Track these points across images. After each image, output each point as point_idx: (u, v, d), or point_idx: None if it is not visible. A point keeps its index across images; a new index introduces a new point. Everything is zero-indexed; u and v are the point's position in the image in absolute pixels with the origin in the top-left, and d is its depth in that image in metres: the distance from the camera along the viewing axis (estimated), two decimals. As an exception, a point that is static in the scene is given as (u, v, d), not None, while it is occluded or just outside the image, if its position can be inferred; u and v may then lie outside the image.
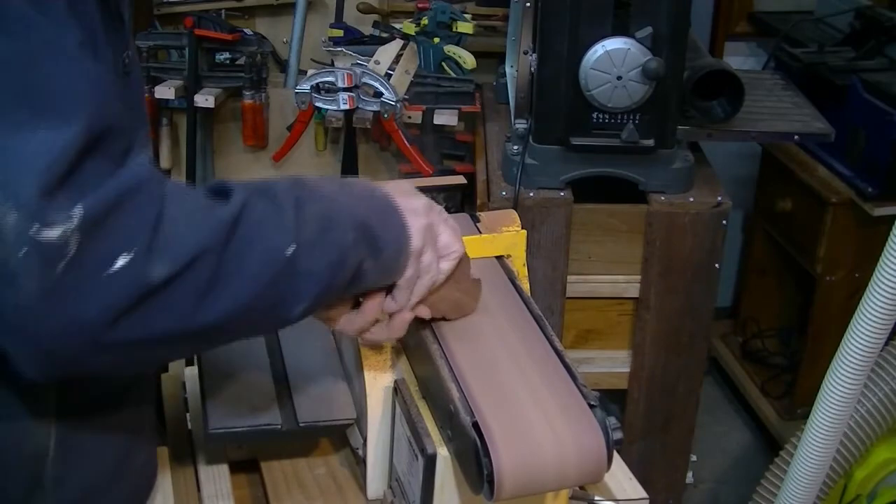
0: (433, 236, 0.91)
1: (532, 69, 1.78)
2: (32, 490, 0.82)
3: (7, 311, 0.67)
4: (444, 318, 0.98)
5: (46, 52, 0.68)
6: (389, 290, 0.91)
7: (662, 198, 1.81)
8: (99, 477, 0.87)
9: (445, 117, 2.08)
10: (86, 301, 0.68)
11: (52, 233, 0.66)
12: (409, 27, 2.13)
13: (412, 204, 0.91)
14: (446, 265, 0.93)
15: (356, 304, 0.92)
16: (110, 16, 0.80)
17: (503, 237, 1.10)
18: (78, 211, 0.67)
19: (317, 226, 0.80)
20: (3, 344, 0.70)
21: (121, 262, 0.68)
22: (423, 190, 1.09)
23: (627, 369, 1.93)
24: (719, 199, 1.82)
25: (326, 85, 2.00)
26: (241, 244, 0.74)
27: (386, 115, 1.99)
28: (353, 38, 2.19)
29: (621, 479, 1.08)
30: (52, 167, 0.66)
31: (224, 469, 1.10)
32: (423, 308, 0.94)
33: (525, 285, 1.09)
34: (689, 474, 2.07)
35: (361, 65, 2.05)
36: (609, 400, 0.89)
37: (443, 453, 0.91)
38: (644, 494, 1.06)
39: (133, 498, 0.94)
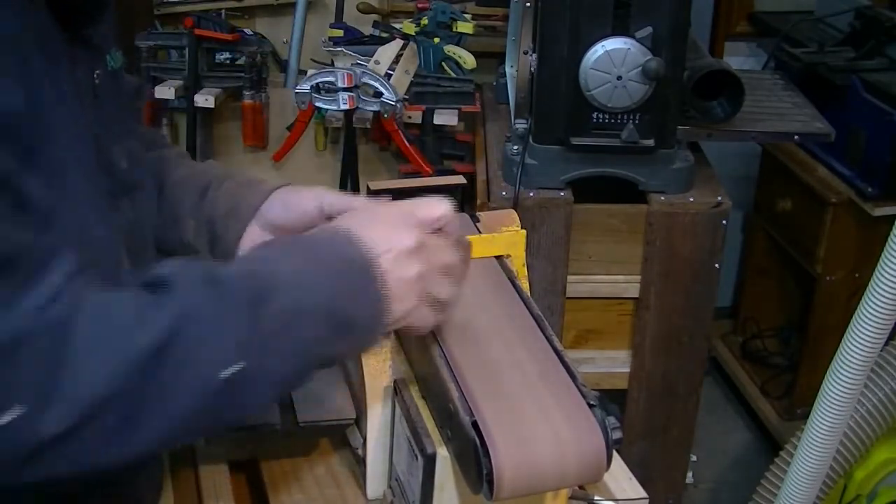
0: (432, 268, 0.84)
1: (532, 69, 1.78)
2: None
3: None
4: None
5: None
6: None
7: (662, 198, 1.81)
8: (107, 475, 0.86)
9: (445, 117, 2.08)
10: None
11: None
12: (409, 27, 2.13)
13: (402, 243, 0.82)
14: (454, 288, 0.88)
15: None
16: (75, 41, 0.78)
17: (503, 237, 1.10)
18: None
19: (276, 327, 0.72)
20: None
21: (7, 417, 0.62)
22: (423, 190, 1.09)
23: (627, 369, 1.93)
24: (719, 199, 1.82)
25: (326, 85, 2.00)
26: (165, 375, 0.67)
27: (386, 115, 1.99)
28: (353, 38, 2.19)
29: (621, 479, 1.08)
30: None
31: (224, 469, 1.10)
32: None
33: (525, 285, 1.08)
34: (689, 474, 2.07)
35: (361, 65, 2.05)
36: (609, 400, 0.89)
37: (442, 453, 0.91)
38: (644, 494, 1.06)
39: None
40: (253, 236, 1.00)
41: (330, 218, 0.96)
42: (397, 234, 0.82)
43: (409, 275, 0.81)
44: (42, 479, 0.65)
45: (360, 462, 1.06)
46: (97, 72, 0.83)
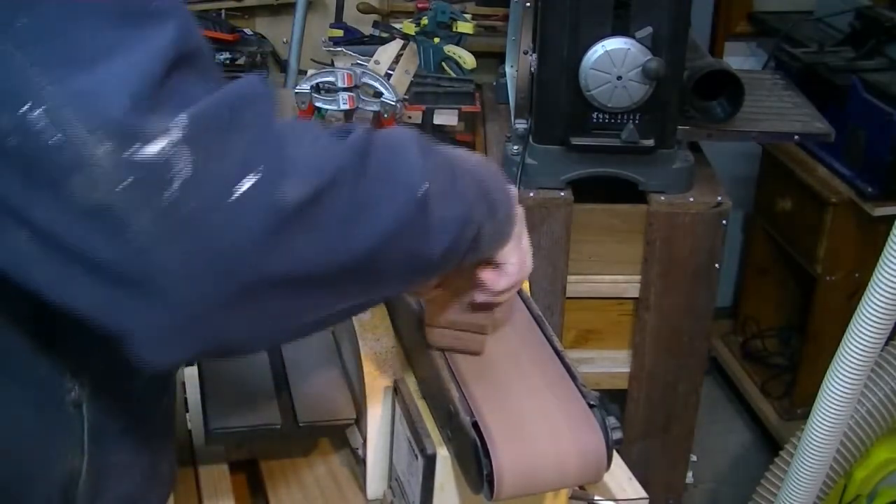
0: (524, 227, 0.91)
1: (532, 69, 1.78)
2: None
3: (125, 269, 0.56)
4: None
5: None
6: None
7: (662, 198, 1.81)
8: (129, 491, 0.86)
9: (445, 117, 2.08)
10: (215, 231, 0.57)
11: (153, 148, 0.55)
12: (409, 27, 2.13)
13: (511, 188, 0.89)
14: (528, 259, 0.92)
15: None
16: None
17: (503, 237, 1.10)
18: (182, 119, 0.56)
19: (444, 174, 0.74)
20: (123, 320, 0.59)
21: (247, 182, 0.57)
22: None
23: (627, 369, 1.93)
24: (719, 199, 1.82)
25: (326, 85, 2.00)
26: (375, 174, 0.66)
27: (386, 115, 1.99)
28: (353, 38, 2.19)
29: (621, 479, 1.08)
30: (146, 76, 0.56)
31: (224, 469, 1.10)
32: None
33: (525, 285, 1.08)
34: (689, 474, 2.07)
35: (361, 65, 2.05)
36: (609, 400, 0.89)
37: (443, 453, 0.91)
38: (644, 494, 1.06)
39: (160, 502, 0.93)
40: None
41: None
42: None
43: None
44: (282, 269, 0.60)
45: (360, 462, 1.06)
46: None
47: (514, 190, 0.88)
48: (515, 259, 0.88)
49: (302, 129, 0.64)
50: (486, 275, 0.87)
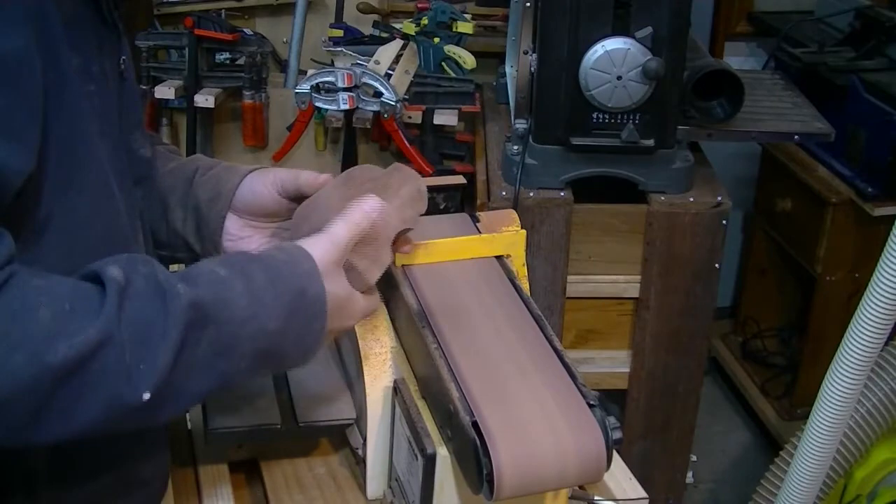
0: (360, 271, 0.87)
1: (532, 69, 1.78)
2: None
3: None
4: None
5: None
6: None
7: (662, 198, 1.81)
8: (100, 494, 0.86)
9: (445, 117, 2.08)
10: None
11: None
12: (409, 27, 2.13)
13: (333, 267, 0.84)
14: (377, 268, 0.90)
15: None
16: (103, 21, 0.79)
17: (503, 237, 1.10)
18: None
19: (205, 352, 0.73)
20: None
21: None
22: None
23: (627, 369, 1.93)
24: (719, 199, 1.82)
25: (326, 85, 2.00)
26: (76, 390, 0.67)
27: (386, 115, 1.99)
28: (353, 38, 2.19)
29: (621, 479, 1.08)
30: None
31: (224, 469, 1.10)
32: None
33: (525, 285, 1.08)
34: (689, 474, 2.07)
35: (361, 65, 2.05)
36: (609, 400, 0.89)
37: (442, 453, 0.91)
38: (644, 494, 1.06)
39: None
40: (231, 221, 1.01)
41: (290, 199, 0.99)
42: (334, 249, 0.84)
43: (342, 290, 0.84)
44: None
45: (360, 462, 1.06)
46: (123, 58, 0.83)
47: (332, 310, 0.82)
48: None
49: (7, 334, 0.65)
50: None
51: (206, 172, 1.02)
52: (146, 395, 0.70)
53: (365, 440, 1.04)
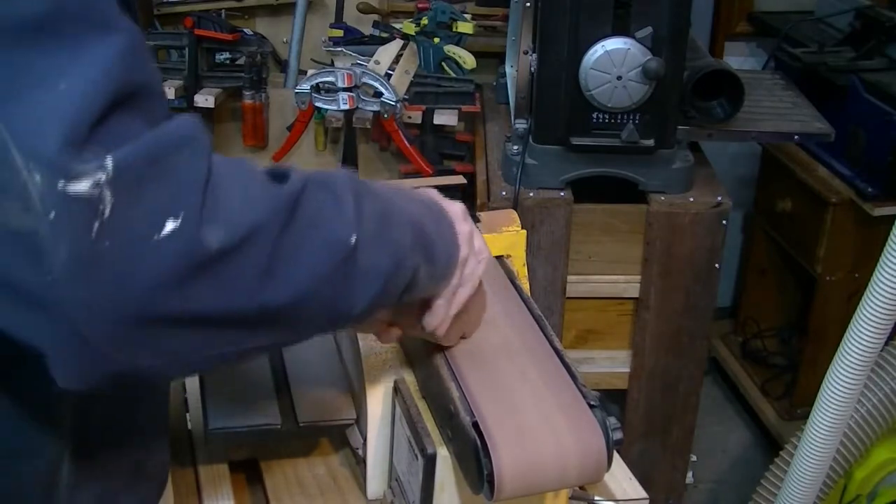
0: (473, 243, 0.89)
1: (532, 69, 1.78)
2: (46, 499, 0.81)
3: (40, 295, 0.58)
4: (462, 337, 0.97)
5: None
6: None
7: (662, 198, 1.81)
8: (114, 484, 0.86)
9: (445, 117, 2.08)
10: (129, 270, 0.58)
11: (78, 187, 0.57)
12: (409, 27, 2.13)
13: (454, 209, 0.88)
14: (480, 269, 0.91)
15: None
16: (127, 9, 0.78)
17: (503, 237, 1.10)
18: (108, 161, 0.58)
19: (377, 222, 0.73)
20: (37, 340, 0.61)
21: (169, 226, 0.59)
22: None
23: (627, 369, 1.93)
24: (719, 199, 1.82)
25: (326, 85, 2.00)
26: (302, 226, 0.67)
27: (386, 115, 1.99)
28: (353, 38, 2.19)
29: (621, 479, 1.08)
30: (80, 113, 0.58)
31: (224, 469, 1.10)
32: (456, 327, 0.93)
33: (525, 285, 1.09)
34: (689, 474, 2.07)
35: (361, 65, 2.05)
36: (609, 400, 0.89)
37: (443, 453, 0.91)
38: (644, 494, 1.06)
39: (147, 501, 0.93)
40: None
41: None
42: (450, 202, 0.89)
43: (465, 228, 0.87)
44: (192, 311, 0.62)
45: (360, 462, 1.06)
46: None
47: (463, 229, 0.87)
48: (443, 299, 0.87)
49: (235, 173, 0.65)
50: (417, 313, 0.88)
51: None
52: (353, 238, 0.70)
53: (365, 440, 1.04)
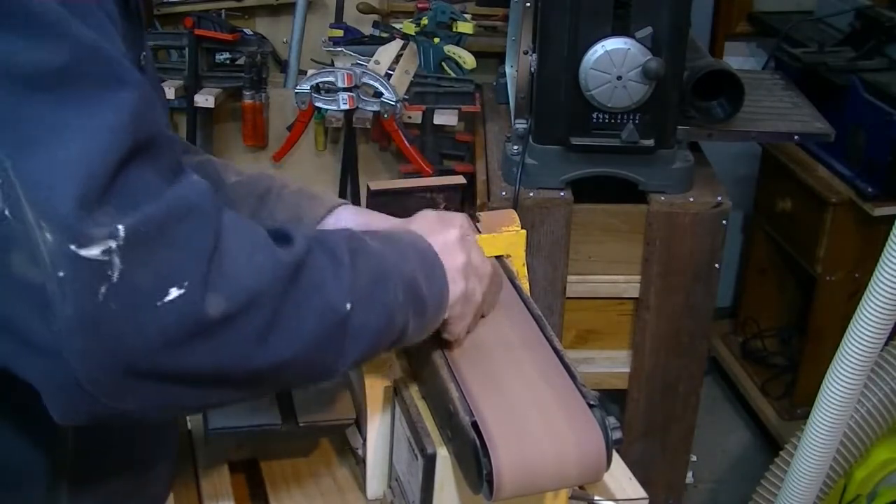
0: (472, 266, 0.90)
1: (532, 69, 1.78)
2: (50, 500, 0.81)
3: (42, 343, 0.61)
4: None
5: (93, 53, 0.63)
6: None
7: (662, 198, 1.81)
8: (116, 492, 0.86)
9: (445, 117, 2.08)
10: (131, 331, 0.61)
11: (90, 252, 0.59)
12: (409, 27, 2.13)
13: (449, 241, 0.89)
14: (481, 288, 0.93)
15: None
16: (129, 15, 0.77)
17: (503, 237, 1.10)
18: (120, 229, 0.60)
19: (370, 283, 0.76)
20: (33, 379, 0.64)
21: (174, 293, 0.62)
22: (424, 190, 1.08)
23: (627, 369, 1.93)
24: (719, 199, 1.82)
25: (326, 85, 2.00)
26: (302, 293, 0.70)
27: (386, 115, 1.99)
28: (353, 38, 2.19)
29: (621, 479, 1.08)
30: (94, 174, 0.60)
31: (224, 469, 1.10)
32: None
33: (525, 285, 1.08)
34: (689, 474, 2.07)
35: (361, 65, 2.05)
36: (609, 400, 0.89)
37: (443, 453, 0.91)
38: (644, 494, 1.06)
39: None
40: None
41: None
42: (444, 229, 0.90)
43: (458, 262, 0.88)
44: (185, 369, 0.65)
45: (360, 462, 1.06)
46: (143, 53, 0.82)
47: (456, 261, 0.88)
48: (457, 310, 0.90)
49: (242, 238, 0.67)
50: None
51: (280, 193, 1.01)
52: (348, 305, 0.73)
53: (365, 440, 1.04)
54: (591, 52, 1.66)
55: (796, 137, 1.94)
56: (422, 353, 0.97)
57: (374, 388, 1.02)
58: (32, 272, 0.59)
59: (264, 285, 0.67)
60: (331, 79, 2.00)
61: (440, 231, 0.89)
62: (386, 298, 0.78)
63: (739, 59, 2.66)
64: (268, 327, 0.67)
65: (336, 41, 2.17)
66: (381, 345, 0.80)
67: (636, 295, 1.88)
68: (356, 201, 2.07)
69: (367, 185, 1.11)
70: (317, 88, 2.00)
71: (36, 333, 0.61)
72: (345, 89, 2.00)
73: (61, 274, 0.59)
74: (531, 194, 1.79)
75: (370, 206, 1.08)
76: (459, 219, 0.93)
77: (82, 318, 0.60)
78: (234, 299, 0.65)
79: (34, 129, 0.60)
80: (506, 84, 2.11)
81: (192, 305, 0.63)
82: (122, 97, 0.62)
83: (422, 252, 0.86)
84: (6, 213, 0.59)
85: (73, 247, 0.59)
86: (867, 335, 1.20)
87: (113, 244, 0.60)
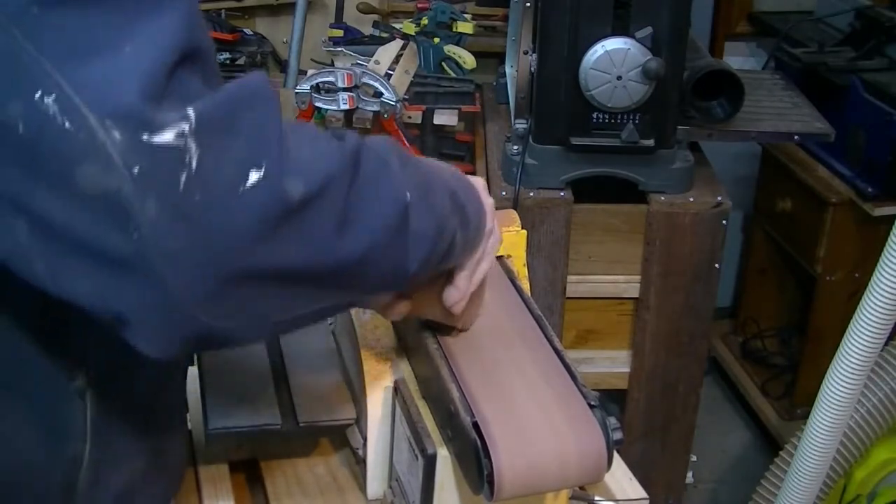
0: (494, 217, 0.91)
1: (532, 69, 1.78)
2: (66, 494, 0.80)
3: (125, 257, 0.57)
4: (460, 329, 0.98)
5: None
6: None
7: (662, 198, 1.81)
8: (133, 478, 0.86)
9: (445, 117, 2.08)
10: (218, 223, 0.58)
11: (165, 137, 0.56)
12: (409, 27, 2.13)
13: (478, 183, 0.91)
14: (498, 244, 0.94)
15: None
16: None
17: (503, 237, 1.10)
18: (191, 112, 0.57)
19: (421, 183, 0.75)
20: (119, 307, 0.60)
21: (254, 176, 0.59)
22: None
23: (627, 369, 1.93)
24: (719, 199, 1.82)
25: (326, 85, 2.00)
26: (366, 181, 0.68)
27: (386, 115, 1.99)
28: (353, 38, 2.19)
29: (621, 479, 1.08)
30: (155, 68, 0.57)
31: (224, 469, 1.10)
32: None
33: (525, 285, 1.08)
34: (689, 474, 2.07)
35: (361, 65, 2.05)
36: (609, 400, 0.89)
37: (443, 453, 0.91)
38: (644, 494, 1.06)
39: (165, 495, 0.93)
40: None
41: None
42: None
43: (489, 200, 0.90)
44: (277, 265, 0.62)
45: (360, 462, 1.06)
46: None
47: (487, 201, 0.89)
48: (466, 271, 0.88)
49: (301, 130, 0.66)
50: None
51: None
52: (408, 195, 0.71)
53: (365, 440, 1.04)
54: (591, 52, 1.66)
55: (796, 137, 1.94)
56: (422, 353, 0.97)
57: (374, 388, 1.02)
58: (105, 180, 0.56)
59: (334, 168, 0.65)
60: (331, 79, 2.00)
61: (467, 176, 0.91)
62: (435, 200, 0.76)
63: (739, 59, 2.66)
64: (345, 212, 0.65)
65: (336, 41, 2.17)
66: (437, 253, 0.77)
67: (636, 295, 1.88)
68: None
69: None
70: (317, 88, 2.00)
71: (118, 248, 0.56)
72: (345, 89, 1.99)
73: (136, 170, 0.55)
74: (531, 194, 1.80)
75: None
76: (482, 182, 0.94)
77: (166, 214, 0.56)
78: (310, 181, 0.62)
79: (85, 42, 0.57)
80: (506, 84, 2.11)
81: (274, 189, 0.59)
82: (174, 4, 0.61)
83: (454, 172, 0.86)
84: (66, 124, 0.55)
85: (144, 136, 0.56)
86: (867, 335, 1.20)
87: (186, 126, 0.57)
